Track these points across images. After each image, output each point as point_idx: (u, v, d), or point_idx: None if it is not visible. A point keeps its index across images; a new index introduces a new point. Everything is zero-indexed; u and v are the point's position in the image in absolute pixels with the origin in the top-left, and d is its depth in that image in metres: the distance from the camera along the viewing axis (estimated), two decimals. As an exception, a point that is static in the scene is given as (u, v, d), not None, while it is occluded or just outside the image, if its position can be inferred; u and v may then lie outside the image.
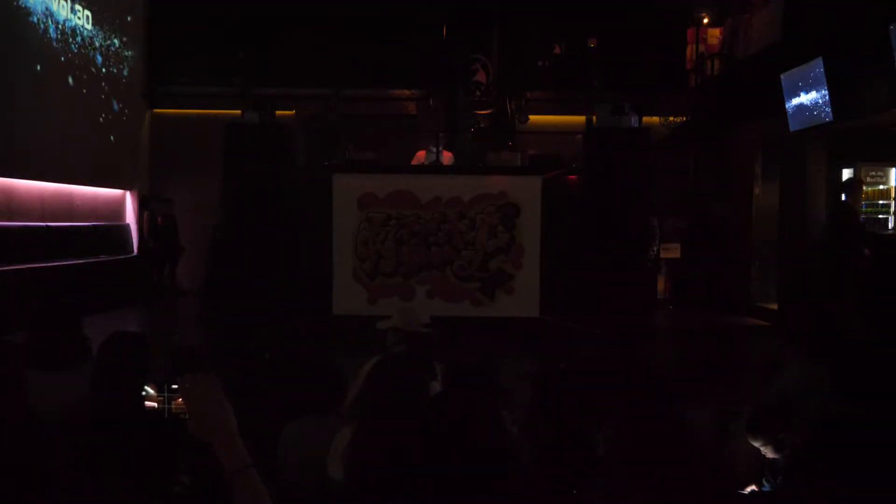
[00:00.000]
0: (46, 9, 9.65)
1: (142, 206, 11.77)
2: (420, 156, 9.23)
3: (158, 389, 1.83)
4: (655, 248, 9.31)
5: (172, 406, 1.82)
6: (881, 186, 9.59)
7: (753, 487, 3.12)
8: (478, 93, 11.14)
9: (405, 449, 1.69)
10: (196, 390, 1.55)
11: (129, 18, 12.34)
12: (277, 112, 8.69)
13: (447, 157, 8.97)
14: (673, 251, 11.27)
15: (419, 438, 1.64)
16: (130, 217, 12.03)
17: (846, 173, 9.65)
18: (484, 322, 8.16)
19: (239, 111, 8.52)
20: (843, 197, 8.37)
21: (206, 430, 1.53)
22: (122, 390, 2.48)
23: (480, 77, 11.25)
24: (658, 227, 9.46)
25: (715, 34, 12.03)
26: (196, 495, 1.73)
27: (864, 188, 9.58)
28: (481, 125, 11.03)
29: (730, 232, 11.37)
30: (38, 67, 9.54)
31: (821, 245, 8.16)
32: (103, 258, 10.28)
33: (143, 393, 2.36)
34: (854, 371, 3.37)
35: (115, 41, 11.87)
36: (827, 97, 8.13)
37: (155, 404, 1.86)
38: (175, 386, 1.77)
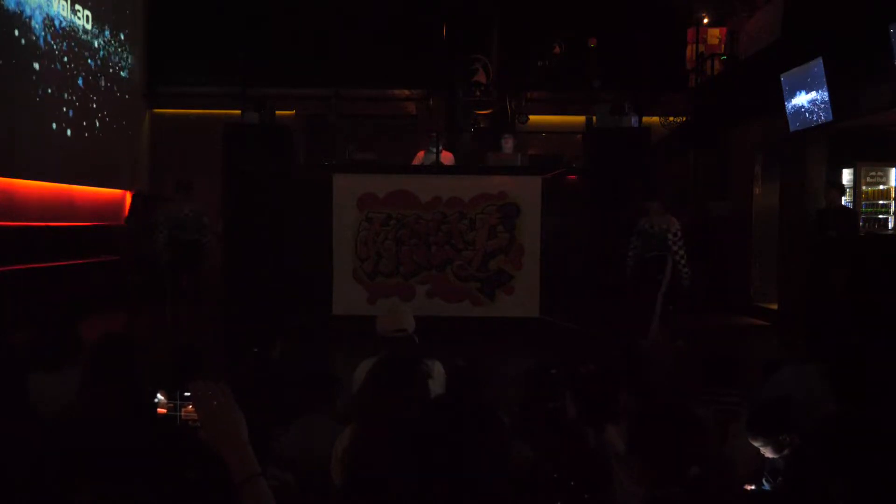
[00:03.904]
0: (46, 9, 9.65)
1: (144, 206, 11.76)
2: (420, 156, 9.24)
3: (169, 397, 1.83)
4: (682, 257, 7.95)
5: (182, 413, 1.82)
6: (881, 186, 9.60)
7: (753, 487, 3.12)
8: (478, 93, 11.13)
9: (403, 452, 1.69)
10: (208, 398, 1.55)
11: (129, 18, 12.34)
12: (277, 112, 8.68)
13: (447, 158, 8.97)
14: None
15: (418, 441, 1.64)
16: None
17: (846, 173, 9.67)
18: (484, 322, 8.16)
19: (239, 111, 8.51)
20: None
21: (217, 438, 1.53)
22: (110, 391, 2.49)
23: (480, 77, 11.25)
24: (678, 231, 7.92)
25: (715, 34, 12.03)
26: (201, 498, 1.73)
27: (865, 188, 9.61)
28: (481, 125, 11.03)
29: (730, 232, 11.37)
30: (38, 67, 9.54)
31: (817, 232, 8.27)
32: (104, 258, 10.28)
33: (133, 394, 2.36)
34: (851, 371, 3.37)
35: (116, 41, 11.87)
36: (827, 97, 8.13)
37: (165, 411, 1.86)
38: (187, 393, 1.77)
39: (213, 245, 8.21)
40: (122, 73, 12.12)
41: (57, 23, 9.96)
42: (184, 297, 8.09)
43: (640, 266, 7.88)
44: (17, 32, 9.00)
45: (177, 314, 8.04)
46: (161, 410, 1.84)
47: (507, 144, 8.91)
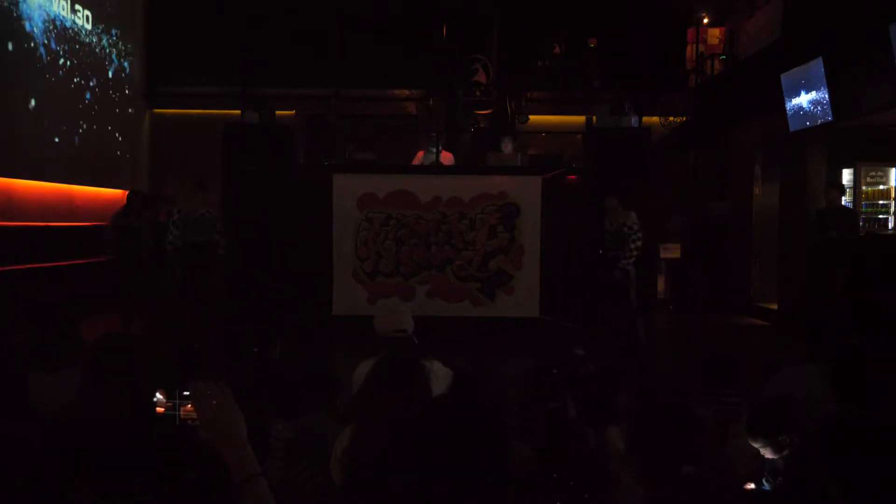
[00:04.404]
0: (46, 9, 9.65)
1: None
2: (420, 156, 9.24)
3: (168, 396, 1.83)
4: (633, 251, 7.36)
5: (182, 412, 1.82)
6: (881, 186, 9.60)
7: (753, 487, 3.12)
8: (478, 93, 11.14)
9: (403, 452, 1.69)
10: (207, 398, 1.55)
11: (129, 18, 12.34)
12: (277, 112, 8.69)
13: (447, 158, 8.97)
14: (673, 251, 11.28)
15: (418, 441, 1.64)
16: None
17: (846, 173, 9.67)
18: (484, 322, 8.16)
19: (239, 111, 8.52)
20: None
21: (217, 438, 1.53)
22: (110, 391, 2.48)
23: (480, 77, 11.25)
24: (634, 225, 7.38)
25: (715, 34, 12.04)
26: (201, 498, 1.73)
27: (865, 188, 9.61)
28: (481, 125, 11.03)
29: (730, 232, 11.37)
30: (38, 67, 9.54)
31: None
32: (104, 258, 10.27)
33: (133, 394, 2.36)
34: (851, 371, 3.37)
35: (116, 41, 11.86)
36: (827, 97, 8.13)
37: (162, 410, 1.86)
38: (186, 393, 1.77)
39: (223, 247, 7.96)
40: (122, 73, 12.12)
41: (57, 23, 9.96)
42: (184, 298, 8.04)
43: (602, 268, 7.68)
44: (17, 32, 9.00)
45: (183, 314, 7.98)
46: (159, 410, 1.84)
47: (507, 147, 8.91)
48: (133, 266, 8.25)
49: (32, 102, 9.39)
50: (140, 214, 8.48)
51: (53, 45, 9.89)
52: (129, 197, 8.58)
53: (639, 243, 7.32)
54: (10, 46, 8.84)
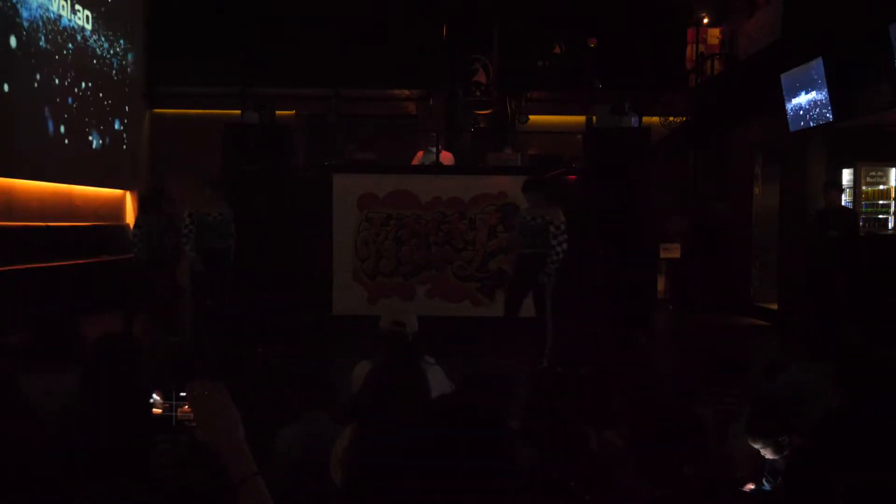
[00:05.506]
0: (46, 9, 9.65)
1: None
2: (419, 156, 9.25)
3: (165, 396, 1.83)
4: (560, 253, 6.58)
5: (178, 413, 1.82)
6: (881, 186, 9.60)
7: (753, 487, 3.12)
8: (478, 93, 11.14)
9: (403, 452, 1.70)
10: (204, 398, 1.55)
11: (129, 18, 12.34)
12: (277, 112, 8.68)
13: (447, 158, 8.97)
14: (673, 251, 11.27)
15: (418, 441, 1.64)
16: (131, 217, 12.02)
17: (846, 173, 9.67)
18: (484, 322, 8.16)
19: (239, 111, 8.52)
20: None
21: (214, 437, 1.53)
22: (110, 391, 2.48)
23: (480, 77, 11.25)
24: (562, 224, 6.54)
25: (715, 34, 12.04)
26: (199, 498, 1.73)
27: (865, 188, 9.61)
28: (481, 125, 11.03)
29: (730, 232, 11.37)
30: (37, 66, 9.54)
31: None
32: (104, 258, 10.27)
33: (133, 394, 2.36)
34: (854, 371, 3.37)
35: (116, 41, 11.86)
36: (827, 97, 8.13)
37: (160, 411, 1.86)
38: (183, 393, 1.77)
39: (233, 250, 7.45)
40: (122, 73, 12.11)
41: (57, 23, 9.96)
42: (195, 304, 7.74)
43: (517, 265, 6.92)
44: (16, 32, 9.00)
45: (185, 317, 7.83)
46: (156, 411, 1.84)
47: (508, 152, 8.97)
48: (161, 267, 7.73)
49: (32, 102, 9.39)
50: (163, 213, 7.92)
51: (52, 45, 9.88)
52: (151, 195, 8.02)
53: (565, 245, 6.58)
54: (9, 46, 8.83)
